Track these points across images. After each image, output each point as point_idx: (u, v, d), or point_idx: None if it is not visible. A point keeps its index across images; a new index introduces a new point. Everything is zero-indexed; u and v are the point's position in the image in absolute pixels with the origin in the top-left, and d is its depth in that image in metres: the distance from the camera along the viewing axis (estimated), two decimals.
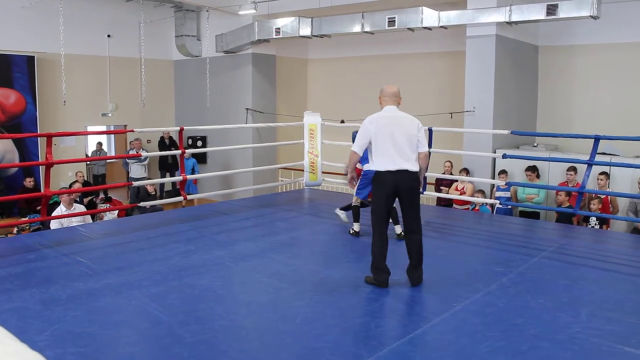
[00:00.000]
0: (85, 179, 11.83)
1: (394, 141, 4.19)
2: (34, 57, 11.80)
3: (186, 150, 8.93)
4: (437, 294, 4.15)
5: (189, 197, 7.82)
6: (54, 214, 6.87)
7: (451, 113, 10.55)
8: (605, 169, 8.21)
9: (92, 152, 13.49)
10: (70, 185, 10.09)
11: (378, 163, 4.23)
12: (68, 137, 12.19)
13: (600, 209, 7.78)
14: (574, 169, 8.31)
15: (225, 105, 13.76)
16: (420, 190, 4.36)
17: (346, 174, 4.69)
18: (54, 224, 6.78)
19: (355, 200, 5.91)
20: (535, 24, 10.17)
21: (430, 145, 6.61)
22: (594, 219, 7.76)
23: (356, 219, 5.88)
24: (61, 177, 11.77)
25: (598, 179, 8.13)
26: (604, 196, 7.99)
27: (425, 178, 4.62)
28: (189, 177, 7.85)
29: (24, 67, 11.73)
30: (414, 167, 4.22)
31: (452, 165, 9.65)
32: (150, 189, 9.86)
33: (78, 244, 5.55)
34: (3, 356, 1.13)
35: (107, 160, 13.82)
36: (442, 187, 9.54)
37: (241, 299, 4.15)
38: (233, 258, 5.04)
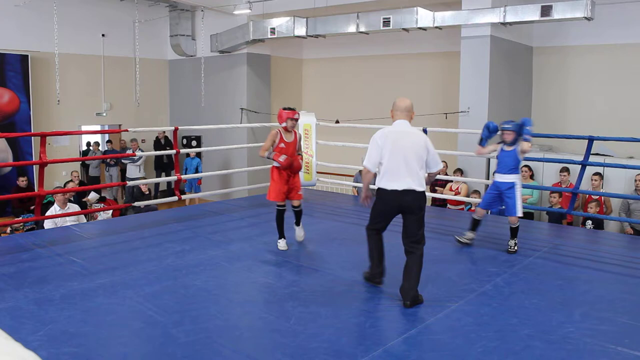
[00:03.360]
0: (80, 179, 11.78)
1: (405, 158, 3.99)
2: (27, 56, 11.75)
3: (185, 150, 8.95)
4: (431, 294, 4.16)
5: (184, 196, 7.80)
6: (48, 213, 6.86)
7: (446, 113, 10.57)
8: (599, 169, 8.24)
9: (86, 152, 13.46)
10: (65, 185, 10.05)
11: (385, 180, 4.04)
12: (62, 137, 12.16)
13: (592, 211, 7.81)
14: (567, 170, 8.34)
15: (220, 105, 13.74)
16: (424, 209, 4.17)
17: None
18: (47, 224, 6.76)
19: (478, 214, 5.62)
20: (529, 25, 10.21)
21: None
22: (590, 222, 7.78)
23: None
24: (55, 177, 11.72)
25: (592, 179, 8.17)
26: (597, 198, 8.04)
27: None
28: (184, 177, 7.83)
29: (18, 66, 11.67)
30: (420, 186, 4.02)
31: (447, 166, 9.66)
32: (144, 189, 9.83)
33: (72, 243, 5.54)
34: None
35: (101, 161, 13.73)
36: (437, 188, 9.55)
37: (235, 299, 4.15)
38: (228, 258, 5.04)
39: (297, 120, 5.38)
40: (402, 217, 4.10)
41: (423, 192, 4.06)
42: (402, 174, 3.98)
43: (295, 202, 5.50)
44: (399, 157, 3.99)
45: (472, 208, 8.93)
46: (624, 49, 9.75)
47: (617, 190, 8.35)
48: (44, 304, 3.83)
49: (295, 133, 5.43)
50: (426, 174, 4.21)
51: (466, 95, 9.94)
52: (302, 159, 5.71)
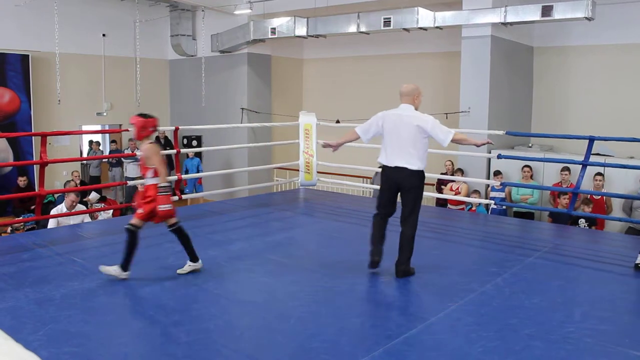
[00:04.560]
0: (81, 178, 11.79)
1: (398, 138, 4.41)
2: (28, 55, 11.75)
3: (185, 150, 8.92)
4: (432, 294, 4.16)
5: (185, 196, 7.80)
6: (53, 212, 6.88)
7: (446, 113, 10.56)
8: (601, 169, 8.25)
9: (88, 152, 13.48)
10: (65, 185, 10.03)
11: (382, 157, 4.52)
12: (62, 137, 12.16)
13: (593, 210, 7.80)
14: (568, 169, 8.35)
15: (221, 104, 13.74)
16: (421, 188, 4.55)
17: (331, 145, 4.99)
18: (52, 223, 6.79)
19: None
20: (530, 25, 10.20)
21: None
22: (583, 220, 7.79)
23: None
24: (56, 177, 11.73)
25: (595, 179, 8.17)
26: (598, 197, 8.05)
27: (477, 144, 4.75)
28: (184, 176, 7.83)
29: (18, 66, 11.67)
30: (412, 165, 4.36)
31: (453, 165, 9.66)
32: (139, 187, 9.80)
33: (72, 243, 5.54)
34: None
35: (103, 160, 13.75)
36: (442, 187, 9.56)
37: (236, 299, 4.15)
38: (228, 258, 5.04)
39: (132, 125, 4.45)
40: (400, 195, 4.49)
41: (416, 171, 4.39)
42: (394, 153, 4.42)
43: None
44: (393, 137, 4.44)
45: (473, 208, 8.94)
46: (624, 49, 9.74)
47: (618, 190, 8.34)
48: (45, 303, 3.83)
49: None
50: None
51: (467, 95, 9.93)
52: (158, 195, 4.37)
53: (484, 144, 4.76)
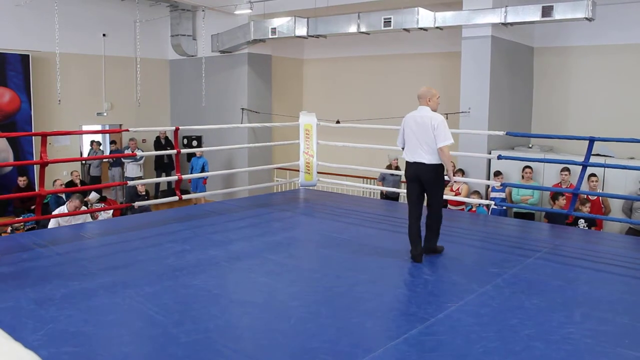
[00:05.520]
0: (81, 178, 11.79)
1: (416, 137, 4.91)
2: (28, 55, 11.76)
3: (189, 150, 8.88)
4: (431, 294, 4.16)
5: (185, 196, 7.79)
6: (55, 213, 6.89)
7: (446, 114, 10.55)
8: (597, 170, 8.25)
9: (89, 152, 13.48)
10: (53, 183, 9.97)
11: (404, 154, 5.07)
12: (63, 137, 12.17)
13: (590, 210, 7.80)
14: (568, 170, 8.35)
15: (221, 105, 13.75)
16: (439, 179, 4.98)
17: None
18: (52, 223, 6.79)
19: None
20: (530, 25, 10.20)
21: None
22: (582, 220, 7.80)
23: None
24: (56, 177, 11.72)
25: (589, 180, 8.17)
26: (594, 198, 8.05)
27: (453, 171, 5.21)
28: (185, 176, 7.81)
29: (19, 66, 11.68)
30: (430, 160, 4.86)
31: (454, 165, 9.66)
32: (140, 189, 9.80)
33: (73, 243, 5.54)
34: None
35: (103, 160, 13.74)
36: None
37: (236, 299, 4.15)
38: (228, 258, 5.04)
39: None
40: (424, 188, 5.00)
41: (431, 165, 4.87)
42: (413, 149, 4.94)
43: None
44: (411, 136, 4.96)
45: (473, 209, 8.94)
46: (625, 49, 9.74)
47: (618, 190, 8.35)
48: (45, 303, 3.83)
49: None
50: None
51: (467, 96, 9.94)
52: None
53: (451, 178, 5.18)
